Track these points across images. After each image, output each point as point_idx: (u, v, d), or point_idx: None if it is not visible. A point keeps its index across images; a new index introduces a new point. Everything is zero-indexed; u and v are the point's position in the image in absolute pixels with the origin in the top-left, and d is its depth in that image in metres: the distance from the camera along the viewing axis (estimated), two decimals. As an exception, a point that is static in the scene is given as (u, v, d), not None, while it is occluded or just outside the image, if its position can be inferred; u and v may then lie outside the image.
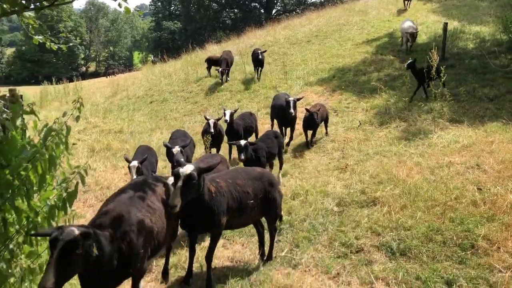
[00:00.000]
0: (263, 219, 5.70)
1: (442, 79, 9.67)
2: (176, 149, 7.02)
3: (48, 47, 5.18)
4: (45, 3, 4.04)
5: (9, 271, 3.50)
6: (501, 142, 8.11)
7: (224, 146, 9.75)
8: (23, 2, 4.05)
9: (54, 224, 3.75)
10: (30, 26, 5.17)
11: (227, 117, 9.07)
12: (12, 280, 3.58)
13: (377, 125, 10.49)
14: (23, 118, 3.71)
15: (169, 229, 4.49)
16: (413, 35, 14.83)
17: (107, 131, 12.80)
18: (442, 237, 5.58)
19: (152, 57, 44.62)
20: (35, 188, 3.53)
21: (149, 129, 13.07)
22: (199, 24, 57.44)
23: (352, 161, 8.61)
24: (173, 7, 72.25)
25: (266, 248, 5.77)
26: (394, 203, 6.50)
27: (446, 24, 13.77)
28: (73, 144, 4.10)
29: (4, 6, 3.82)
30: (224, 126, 9.48)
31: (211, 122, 8.76)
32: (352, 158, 8.84)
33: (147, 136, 12.23)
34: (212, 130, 8.67)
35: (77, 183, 3.65)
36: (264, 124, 11.60)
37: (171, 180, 5.33)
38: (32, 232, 3.48)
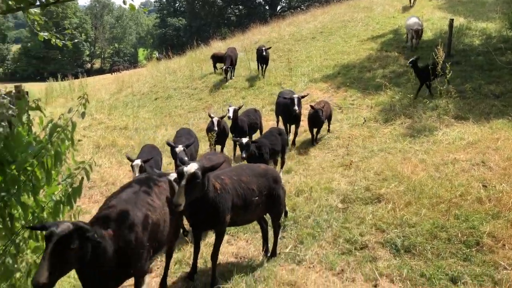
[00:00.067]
0: (267, 216, 5.70)
1: (448, 76, 9.61)
2: (179, 148, 6.98)
3: (54, 43, 5.21)
4: (51, 0, 4.04)
5: (15, 266, 3.53)
6: (507, 139, 8.07)
7: (229, 142, 9.77)
8: (29, -2, 4.07)
9: (60, 219, 3.78)
10: (36, 23, 5.19)
11: (230, 114, 9.07)
12: (18, 275, 3.61)
13: (382, 122, 10.46)
14: (29, 114, 3.74)
15: (172, 227, 4.46)
16: (418, 32, 14.74)
17: (112, 128, 12.85)
18: (447, 234, 5.57)
19: (157, 53, 44.66)
20: (41, 183, 3.56)
21: (154, 125, 13.10)
22: (204, 20, 57.46)
23: (357, 158, 8.60)
24: (178, 4, 72.15)
25: (270, 245, 5.77)
26: (398, 200, 6.49)
27: (452, 20, 13.69)
28: (79, 140, 4.12)
29: (10, 2, 3.83)
30: (229, 123, 9.49)
31: (215, 120, 8.76)
32: (357, 155, 8.83)
33: (152, 132, 12.26)
34: (215, 128, 8.67)
35: (82, 178, 3.68)
36: (269, 121, 11.60)
37: (173, 175, 5.35)
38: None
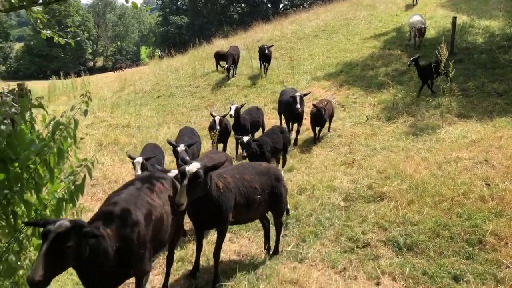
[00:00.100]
0: (269, 214, 5.70)
1: (451, 74, 9.56)
2: (181, 148, 6.95)
3: (56, 41, 5.21)
4: (53, -2, 4.05)
5: (18, 263, 3.54)
6: (510, 138, 8.04)
7: (231, 140, 9.77)
8: (31, -4, 4.07)
9: (62, 217, 3.79)
10: (39, 21, 5.20)
11: (232, 112, 9.05)
12: (21, 272, 3.63)
13: (385, 120, 10.45)
14: (32, 112, 3.74)
15: (173, 227, 4.42)
16: (421, 31, 14.68)
17: (114, 126, 12.88)
18: (450, 233, 5.56)
19: (159, 52, 44.68)
20: (44, 181, 3.56)
21: (156, 123, 13.12)
22: (206, 18, 57.45)
23: (359, 156, 8.59)
24: (180, 2, 72.20)
25: (272, 243, 5.78)
26: (401, 198, 6.48)
27: (455, 18, 13.63)
28: (81, 138, 4.13)
29: (13, 0, 3.84)
30: (231, 121, 9.48)
31: (217, 119, 8.74)
32: (359, 153, 8.82)
33: (154, 130, 12.28)
34: (217, 127, 8.65)
35: (85, 176, 3.68)
36: (271, 119, 11.59)
37: (174, 172, 5.35)
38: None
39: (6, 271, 3.50)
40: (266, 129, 9.84)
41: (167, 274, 4.98)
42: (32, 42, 68.02)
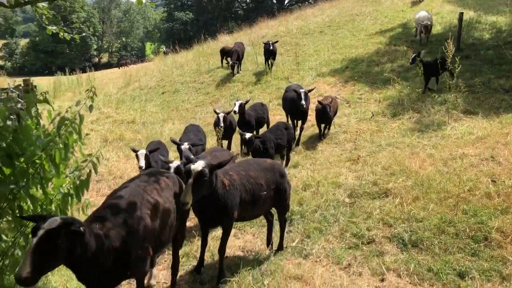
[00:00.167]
0: (273, 210, 5.70)
1: (457, 70, 9.48)
2: (184, 146, 6.85)
3: (62, 37, 5.23)
4: (58, -7, 4.06)
5: (24, 257, 3.56)
6: (517, 134, 7.99)
7: (236, 137, 9.76)
8: (37, -8, 4.08)
9: (68, 212, 3.81)
10: (44, 17, 5.22)
11: (236, 108, 9.03)
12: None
13: (390, 116, 10.41)
14: (37, 108, 3.76)
15: (176, 226, 4.28)
16: (427, 27, 14.57)
17: (119, 122, 12.91)
18: (455, 229, 5.54)
19: (164, 48, 44.72)
20: (49, 176, 3.58)
21: (161, 119, 13.14)
22: (211, 14, 57.37)
23: (364, 153, 8.57)
24: (185, -2, 72.12)
25: (276, 239, 5.78)
26: (406, 194, 6.46)
27: (461, 14, 13.54)
28: (86, 134, 4.14)
29: (18, -4, 3.85)
30: (236, 118, 9.47)
31: (221, 116, 8.70)
32: (365, 149, 8.79)
33: (159, 126, 12.30)
34: (221, 124, 8.62)
35: (90, 171, 3.69)
36: (276, 115, 11.57)
37: (176, 163, 5.34)
38: None
39: (12, 265, 3.53)
40: (271, 125, 9.82)
41: (173, 285, 4.82)
42: (37, 38, 68.16)
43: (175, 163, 5.75)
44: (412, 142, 8.64)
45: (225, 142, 9.58)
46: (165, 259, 5.61)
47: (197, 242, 5.78)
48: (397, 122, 10.00)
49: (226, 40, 23.40)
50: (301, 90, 9.27)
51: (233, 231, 6.06)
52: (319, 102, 9.58)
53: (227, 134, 9.10)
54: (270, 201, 5.27)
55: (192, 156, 4.73)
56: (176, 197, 4.22)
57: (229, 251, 5.61)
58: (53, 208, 3.69)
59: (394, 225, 5.86)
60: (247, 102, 9.55)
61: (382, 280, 4.90)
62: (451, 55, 9.48)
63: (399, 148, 8.48)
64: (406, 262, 5.11)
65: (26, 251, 2.92)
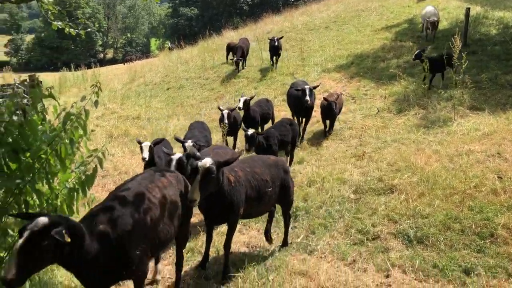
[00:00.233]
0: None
1: (464, 65, 9.39)
2: (188, 143, 6.78)
3: (67, 32, 5.24)
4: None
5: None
6: (523, 130, 7.93)
7: (241, 133, 9.74)
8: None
9: (74, 207, 3.82)
10: (50, 12, 5.22)
11: (241, 104, 8.99)
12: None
13: (396, 113, 10.36)
14: (43, 103, 3.77)
15: (178, 226, 4.16)
16: (434, 24, 14.45)
17: (124, 117, 12.94)
18: (461, 226, 5.52)
19: (169, 43, 44.66)
20: (55, 171, 3.59)
21: (166, 115, 13.15)
22: (216, 10, 57.33)
23: (370, 149, 8.54)
24: (190, -7, 72.01)
25: (280, 235, 5.78)
26: (411, 191, 6.44)
27: (468, 9, 13.44)
28: (92, 130, 4.14)
29: (24, -9, 3.86)
30: (241, 114, 9.44)
31: (225, 113, 8.66)
32: (370, 145, 8.76)
33: (164, 122, 12.30)
34: (226, 121, 8.59)
35: (96, 166, 3.70)
36: (281, 111, 11.55)
37: (178, 155, 5.34)
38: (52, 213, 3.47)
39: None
40: (276, 121, 9.77)
41: (178, 281, 4.74)
42: (43, 34, 68.41)
43: (177, 155, 5.75)
44: (417, 138, 8.60)
45: (230, 139, 9.57)
46: (170, 255, 5.62)
47: (202, 237, 5.79)
48: (403, 118, 9.95)
49: (231, 35, 23.36)
50: (306, 87, 9.17)
51: (238, 226, 6.06)
52: (324, 98, 9.51)
53: (232, 130, 9.08)
54: (275, 197, 5.27)
55: (198, 154, 4.72)
56: (181, 195, 4.17)
57: (234, 247, 5.62)
58: (59, 203, 3.70)
59: (400, 221, 5.85)
60: (252, 98, 9.51)
61: (387, 276, 4.90)
62: (457, 51, 9.40)
63: (405, 144, 8.45)
64: (411, 259, 5.10)
65: (12, 252, 2.81)
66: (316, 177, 7.52)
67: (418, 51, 11.19)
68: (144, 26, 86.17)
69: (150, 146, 6.54)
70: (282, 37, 16.05)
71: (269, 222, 5.79)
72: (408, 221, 5.80)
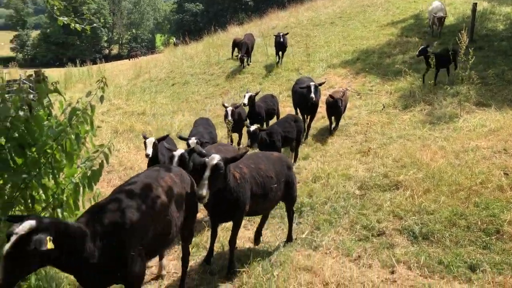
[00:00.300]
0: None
1: (471, 61, 9.29)
2: (192, 141, 6.68)
3: (73, 28, 5.24)
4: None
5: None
6: (530, 127, 7.88)
7: (246, 129, 9.74)
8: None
9: (79, 202, 3.84)
10: (55, 8, 5.23)
11: (246, 100, 8.96)
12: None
13: (401, 108, 10.32)
14: (49, 98, 3.78)
15: (182, 219, 4.08)
16: (441, 20, 14.33)
17: (130, 113, 12.96)
18: (466, 222, 5.50)
19: (174, 39, 44.74)
20: (61, 166, 3.60)
21: (171, 111, 13.16)
22: (221, 5, 57.25)
23: (375, 145, 8.52)
24: (195, -11, 71.93)
25: (285, 231, 5.78)
26: (417, 187, 6.42)
27: (475, 4, 13.32)
28: (98, 127, 4.15)
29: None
30: (246, 110, 9.43)
31: (229, 110, 8.62)
32: (375, 141, 8.73)
33: (169, 118, 12.32)
34: (230, 118, 8.56)
35: (102, 161, 3.71)
36: (286, 107, 11.53)
37: (180, 151, 5.34)
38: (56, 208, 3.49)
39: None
40: (281, 117, 9.74)
41: (183, 276, 4.70)
42: (48, 30, 68.67)
43: (179, 151, 5.75)
44: (423, 134, 8.57)
45: (235, 135, 9.57)
46: (175, 250, 5.64)
47: (207, 233, 5.80)
48: (409, 114, 9.91)
49: (236, 31, 23.31)
50: (311, 83, 9.01)
51: (243, 222, 6.08)
52: (330, 96, 9.45)
53: (237, 127, 9.05)
54: (280, 193, 5.27)
55: (203, 151, 4.71)
56: (186, 192, 4.13)
57: (239, 242, 5.63)
58: (65, 198, 3.72)
59: (405, 217, 5.84)
60: (257, 94, 9.48)
61: (392, 273, 4.89)
62: (464, 47, 9.33)
63: (410, 140, 8.42)
64: (416, 255, 5.09)
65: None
66: (321, 173, 7.51)
67: (422, 47, 11.11)
68: (149, 22, 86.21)
69: (154, 143, 6.47)
70: (288, 33, 15.97)
71: (261, 223, 5.78)
72: (414, 217, 5.79)
